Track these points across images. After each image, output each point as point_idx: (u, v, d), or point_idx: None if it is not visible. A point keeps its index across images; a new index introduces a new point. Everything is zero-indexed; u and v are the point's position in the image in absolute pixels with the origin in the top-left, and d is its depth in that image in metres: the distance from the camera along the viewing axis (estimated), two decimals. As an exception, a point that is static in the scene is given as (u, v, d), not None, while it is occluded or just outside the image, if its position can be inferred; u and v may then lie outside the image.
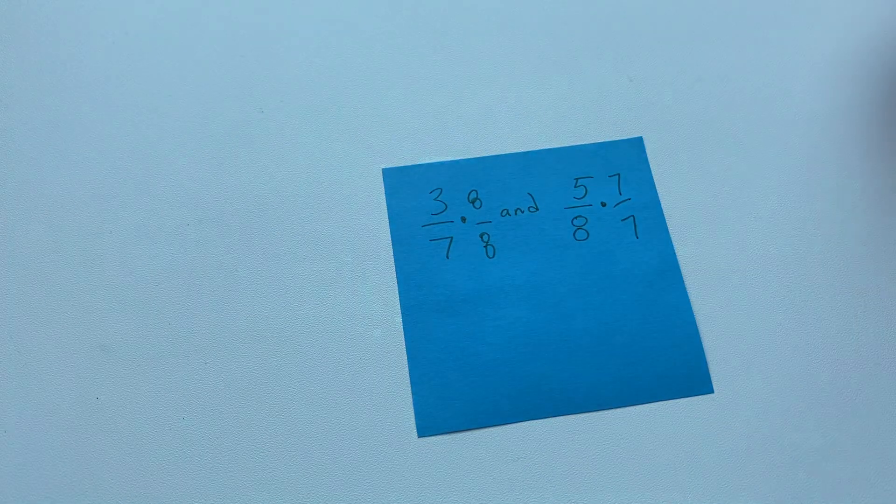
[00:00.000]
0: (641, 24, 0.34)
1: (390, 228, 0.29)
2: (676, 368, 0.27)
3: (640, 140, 0.31)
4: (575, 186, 0.30)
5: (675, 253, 0.29)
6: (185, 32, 0.33)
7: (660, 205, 0.30)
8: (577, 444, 0.26)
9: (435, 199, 0.30)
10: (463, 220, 0.29)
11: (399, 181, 0.30)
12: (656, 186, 0.30)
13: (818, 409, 0.26)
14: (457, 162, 0.30)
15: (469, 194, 0.30)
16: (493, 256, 0.29)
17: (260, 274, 0.28)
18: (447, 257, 0.29)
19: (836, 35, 0.33)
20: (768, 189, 0.30)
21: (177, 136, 0.31)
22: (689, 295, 0.28)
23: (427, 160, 0.30)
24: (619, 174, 0.30)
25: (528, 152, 0.30)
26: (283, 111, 0.31)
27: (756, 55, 0.33)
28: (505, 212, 0.29)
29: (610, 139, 0.31)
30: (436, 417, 0.26)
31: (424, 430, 0.26)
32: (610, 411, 0.26)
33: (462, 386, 0.27)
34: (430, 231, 0.29)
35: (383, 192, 0.30)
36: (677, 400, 0.27)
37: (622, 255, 0.29)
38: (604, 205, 0.29)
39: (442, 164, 0.30)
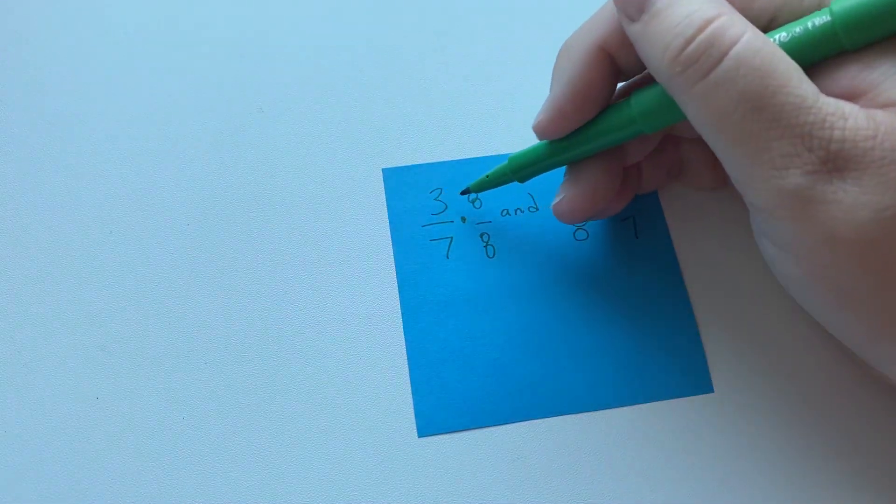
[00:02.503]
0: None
1: (390, 228, 0.29)
2: (676, 368, 0.27)
3: (640, 140, 0.31)
4: (575, 186, 0.30)
5: (675, 253, 0.29)
6: (185, 31, 0.33)
7: (660, 205, 0.30)
8: (577, 444, 0.26)
9: (435, 199, 0.30)
10: (463, 220, 0.29)
11: (399, 181, 0.30)
12: (656, 186, 0.30)
13: (819, 408, 0.26)
14: (457, 162, 0.30)
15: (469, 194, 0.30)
16: (493, 256, 0.29)
17: (259, 273, 0.28)
18: (447, 257, 0.29)
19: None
20: (768, 189, 0.30)
21: (176, 135, 0.31)
22: (689, 295, 0.28)
23: (427, 160, 0.30)
24: (619, 174, 0.30)
25: (528, 152, 0.30)
26: (283, 111, 0.31)
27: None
28: (505, 212, 0.29)
29: (610, 139, 0.31)
30: (436, 417, 0.26)
31: (424, 430, 0.26)
32: (610, 411, 0.26)
33: (462, 386, 0.27)
34: (430, 231, 0.29)
35: (383, 192, 0.30)
36: (677, 400, 0.27)
37: (622, 255, 0.29)
38: (604, 205, 0.29)
39: (442, 164, 0.30)
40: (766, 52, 0.20)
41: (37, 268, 0.28)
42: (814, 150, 0.20)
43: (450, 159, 0.30)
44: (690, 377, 0.27)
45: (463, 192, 0.29)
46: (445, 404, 0.26)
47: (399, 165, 0.30)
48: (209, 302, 0.28)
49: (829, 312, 0.22)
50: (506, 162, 0.27)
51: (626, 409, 0.26)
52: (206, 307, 0.28)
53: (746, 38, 0.20)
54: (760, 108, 0.20)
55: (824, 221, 0.20)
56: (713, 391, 0.27)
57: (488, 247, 0.29)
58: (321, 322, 0.27)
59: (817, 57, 0.21)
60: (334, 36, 0.33)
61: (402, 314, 0.28)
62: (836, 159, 0.19)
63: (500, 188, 0.29)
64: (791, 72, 0.20)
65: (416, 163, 0.30)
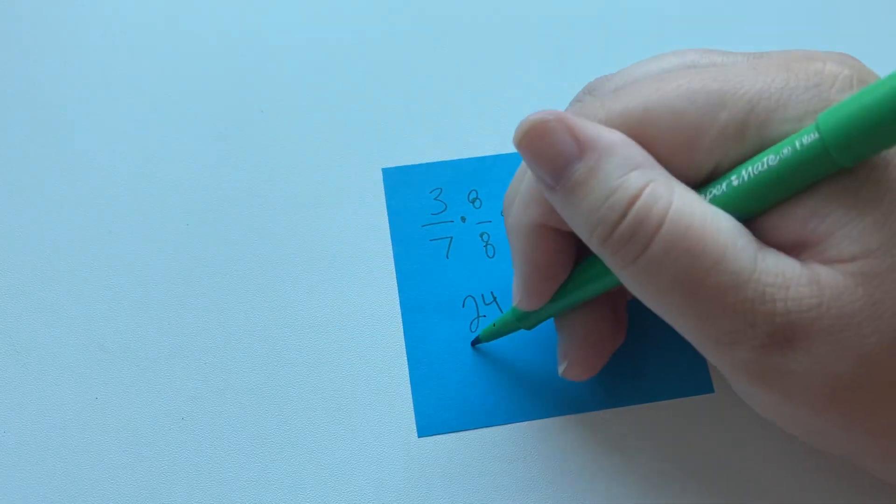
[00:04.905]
0: (643, 23, 0.34)
1: (390, 228, 0.29)
2: (676, 368, 0.27)
3: (640, 140, 0.31)
4: (575, 186, 0.30)
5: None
6: (185, 32, 0.33)
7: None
8: (578, 445, 0.26)
9: (435, 199, 0.30)
10: (463, 219, 0.29)
11: (399, 181, 0.30)
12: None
13: (818, 409, 0.26)
14: (457, 162, 0.30)
15: (469, 194, 0.30)
16: (493, 256, 0.29)
17: (259, 274, 0.28)
18: (447, 257, 0.29)
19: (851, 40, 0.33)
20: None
21: (176, 135, 0.31)
22: (689, 295, 0.28)
23: (427, 160, 0.30)
24: (619, 174, 0.30)
25: (528, 152, 0.30)
26: (283, 111, 0.31)
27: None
28: (505, 212, 0.29)
29: (610, 139, 0.31)
30: (436, 417, 0.26)
31: (424, 430, 0.26)
32: (610, 411, 0.26)
33: (462, 386, 0.27)
34: (430, 231, 0.29)
35: (383, 192, 0.30)
36: (677, 400, 0.27)
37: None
38: (604, 205, 0.29)
39: (442, 163, 0.30)
40: (696, 227, 0.18)
41: (36, 267, 0.28)
42: (758, 325, 0.18)
43: (450, 159, 0.30)
44: (690, 377, 0.27)
45: (474, 343, 0.27)
46: (445, 404, 0.26)
47: (399, 165, 0.30)
48: (209, 302, 0.28)
49: (799, 437, 0.22)
50: (509, 312, 0.25)
51: (626, 409, 0.26)
52: (206, 307, 0.28)
53: (672, 213, 0.19)
54: (696, 291, 0.19)
55: (778, 389, 0.19)
56: (713, 391, 0.27)
57: (488, 247, 0.29)
58: (321, 322, 0.27)
59: (809, 179, 0.19)
60: (334, 36, 0.33)
61: (402, 314, 0.28)
62: (783, 331, 0.18)
63: (500, 188, 0.29)
64: (725, 241, 0.19)
65: (416, 163, 0.30)
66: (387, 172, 0.30)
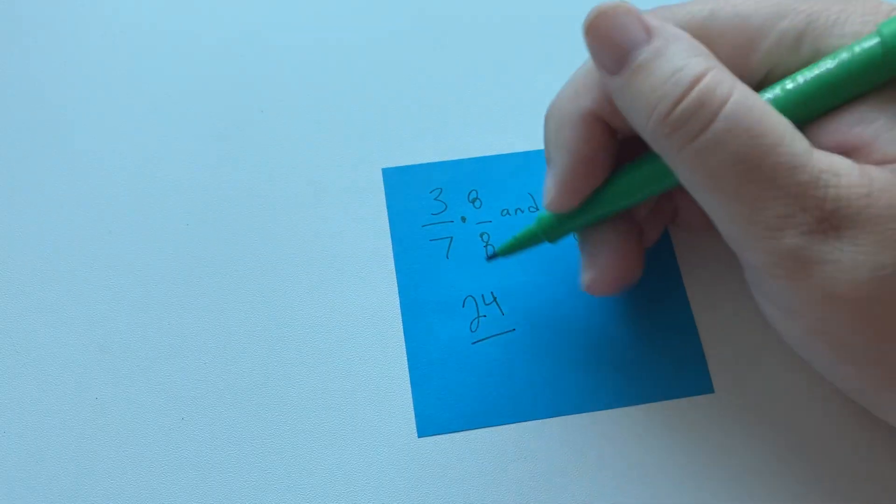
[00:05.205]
0: (641, 24, 0.34)
1: (390, 228, 0.29)
2: (676, 368, 0.27)
3: (640, 140, 0.31)
4: (575, 186, 0.30)
5: (674, 251, 0.29)
6: (184, 32, 0.33)
7: (660, 205, 0.30)
8: (577, 445, 0.26)
9: (435, 199, 0.30)
10: (463, 219, 0.29)
11: (399, 181, 0.30)
12: (656, 186, 0.30)
13: (819, 408, 0.26)
14: (457, 162, 0.30)
15: (469, 194, 0.30)
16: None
17: (259, 274, 0.28)
18: (447, 257, 0.29)
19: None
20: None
21: (176, 135, 0.31)
22: (688, 294, 0.28)
23: (427, 160, 0.30)
24: (619, 174, 0.30)
25: (528, 152, 0.30)
26: (283, 111, 0.31)
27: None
28: (505, 212, 0.29)
29: (610, 139, 0.31)
30: (436, 417, 0.26)
31: (424, 430, 0.26)
32: (610, 412, 0.26)
33: (462, 386, 0.27)
34: (430, 231, 0.29)
35: (383, 192, 0.30)
36: (677, 400, 0.27)
37: (622, 255, 0.29)
38: (604, 205, 0.29)
39: (442, 164, 0.30)
40: (757, 110, 0.19)
41: (36, 267, 0.28)
42: (808, 209, 0.19)
43: (450, 159, 0.30)
44: (690, 377, 0.27)
45: (490, 258, 0.27)
46: (445, 404, 0.26)
47: (399, 165, 0.30)
48: (209, 302, 0.28)
49: (828, 366, 0.22)
50: (534, 223, 0.25)
51: (626, 409, 0.26)
52: (206, 307, 0.28)
53: (736, 96, 0.19)
54: (754, 170, 0.19)
55: (821, 281, 0.19)
56: (713, 391, 0.27)
57: (488, 247, 0.29)
58: (321, 322, 0.27)
59: (864, 86, 0.20)
60: (334, 36, 0.33)
61: (402, 314, 0.28)
62: (831, 218, 0.19)
63: (499, 188, 0.29)
64: (783, 129, 0.19)
65: (416, 163, 0.30)
66: (387, 172, 0.30)
